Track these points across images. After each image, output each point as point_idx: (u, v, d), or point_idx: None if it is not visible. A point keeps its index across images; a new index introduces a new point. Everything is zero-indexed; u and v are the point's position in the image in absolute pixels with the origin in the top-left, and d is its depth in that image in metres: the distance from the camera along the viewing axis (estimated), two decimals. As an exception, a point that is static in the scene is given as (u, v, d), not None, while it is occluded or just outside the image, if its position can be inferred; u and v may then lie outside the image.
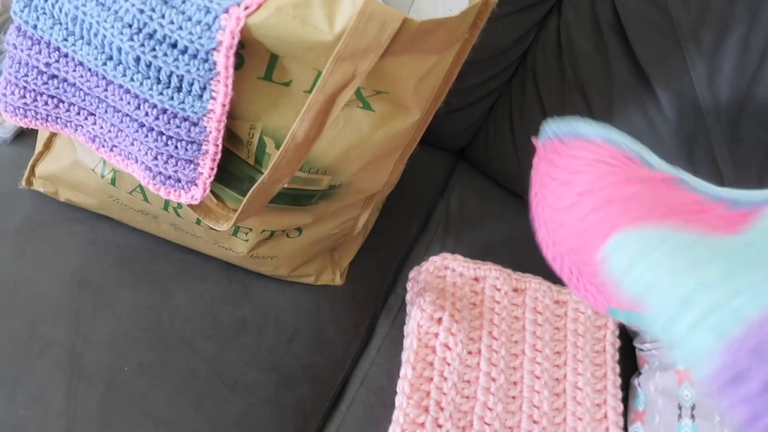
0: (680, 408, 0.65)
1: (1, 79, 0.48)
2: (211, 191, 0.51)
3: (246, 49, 0.42)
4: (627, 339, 0.80)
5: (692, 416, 0.64)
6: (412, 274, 0.76)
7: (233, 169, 0.52)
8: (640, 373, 0.75)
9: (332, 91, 0.41)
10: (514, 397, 0.67)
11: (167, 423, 0.60)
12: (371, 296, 0.77)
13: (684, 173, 0.41)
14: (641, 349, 0.77)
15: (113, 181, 0.57)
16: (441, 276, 0.75)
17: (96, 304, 0.64)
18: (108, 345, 0.62)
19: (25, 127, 0.51)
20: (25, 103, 0.49)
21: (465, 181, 0.91)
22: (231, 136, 0.49)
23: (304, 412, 0.66)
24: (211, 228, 0.60)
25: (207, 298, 0.67)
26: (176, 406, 0.61)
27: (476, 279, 0.77)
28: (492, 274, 0.77)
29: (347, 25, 0.38)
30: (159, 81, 0.42)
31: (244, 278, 0.70)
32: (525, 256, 0.83)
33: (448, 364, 0.66)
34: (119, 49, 0.41)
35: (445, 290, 0.72)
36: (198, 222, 0.58)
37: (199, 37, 0.39)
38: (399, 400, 0.63)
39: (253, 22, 0.38)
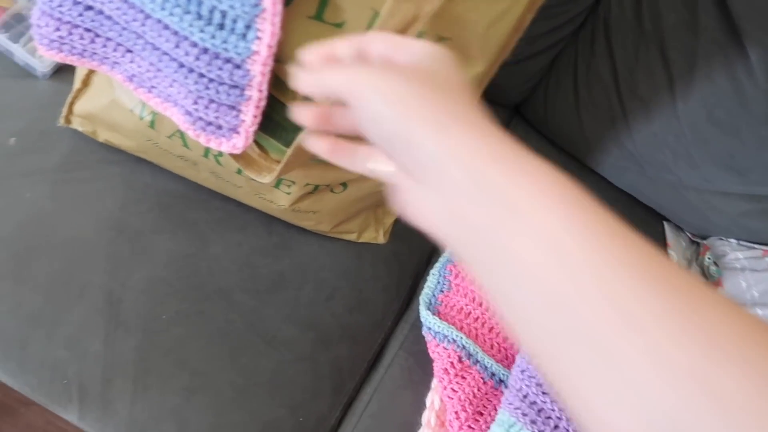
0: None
1: (36, 10, 0.45)
2: (255, 141, 0.48)
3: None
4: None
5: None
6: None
7: (278, 118, 0.48)
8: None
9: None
10: None
11: (202, 374, 0.59)
12: (414, 256, 0.73)
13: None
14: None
15: (152, 124, 0.54)
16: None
17: (134, 249, 0.62)
18: (145, 291, 0.61)
19: (60, 61, 0.48)
20: (60, 36, 0.45)
21: (518, 140, 0.86)
22: (277, 81, 0.45)
23: (341, 371, 0.64)
24: (253, 179, 0.57)
25: (245, 250, 0.65)
26: (212, 358, 0.60)
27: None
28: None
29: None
30: (200, 17, 0.38)
31: (284, 231, 0.67)
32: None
33: None
34: None
35: None
36: (239, 172, 0.55)
37: None
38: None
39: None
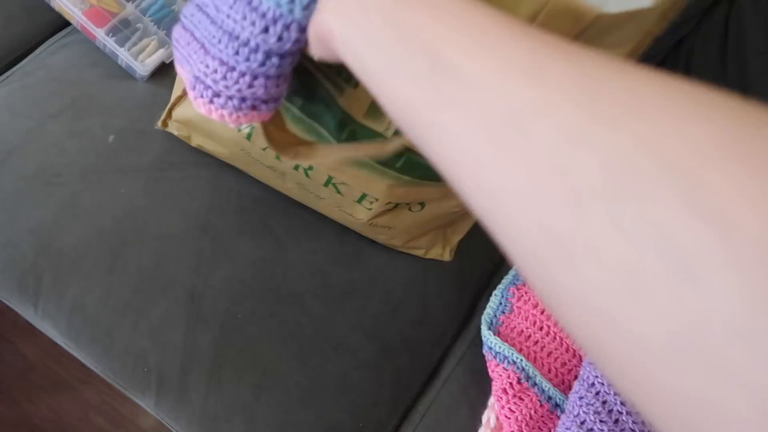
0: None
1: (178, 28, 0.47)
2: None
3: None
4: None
5: None
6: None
7: (365, 139, 0.51)
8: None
9: None
10: None
11: (272, 373, 0.63)
12: (477, 274, 0.75)
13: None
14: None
15: (249, 136, 0.57)
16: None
17: (216, 248, 0.66)
18: (224, 290, 0.64)
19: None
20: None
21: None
22: (376, 105, 0.48)
23: (401, 382, 0.67)
24: (337, 192, 0.60)
25: (320, 258, 0.68)
26: (282, 359, 0.63)
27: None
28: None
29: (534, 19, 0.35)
30: None
31: (356, 242, 0.70)
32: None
33: None
34: None
35: None
36: (326, 184, 0.58)
37: None
38: None
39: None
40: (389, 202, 0.59)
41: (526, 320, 0.67)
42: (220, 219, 0.67)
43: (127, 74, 0.73)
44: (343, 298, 0.67)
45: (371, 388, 0.65)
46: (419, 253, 0.70)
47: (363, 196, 0.59)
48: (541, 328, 0.67)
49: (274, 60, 0.34)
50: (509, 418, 0.61)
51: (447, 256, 0.72)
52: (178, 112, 0.64)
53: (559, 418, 0.62)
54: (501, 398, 0.62)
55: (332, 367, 0.64)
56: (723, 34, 0.66)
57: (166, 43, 0.72)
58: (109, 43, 0.70)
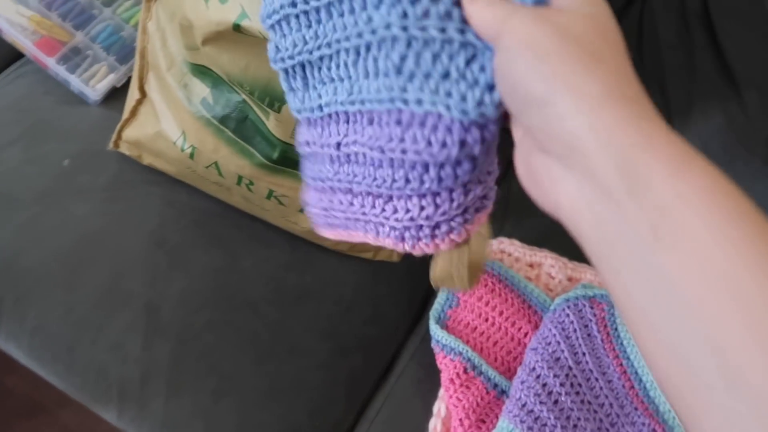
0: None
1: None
2: (276, 171, 0.54)
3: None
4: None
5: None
6: (468, 256, 0.77)
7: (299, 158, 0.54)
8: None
9: None
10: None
11: (230, 378, 0.65)
12: (426, 274, 0.78)
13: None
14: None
15: (192, 156, 0.61)
16: (497, 259, 0.76)
17: (171, 262, 0.69)
18: (180, 302, 0.67)
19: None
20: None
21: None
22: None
23: (355, 380, 0.70)
24: (280, 204, 0.63)
25: (272, 265, 0.71)
26: (239, 364, 0.66)
27: (531, 265, 0.77)
28: (548, 262, 0.77)
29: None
30: None
31: (306, 249, 0.73)
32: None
33: None
34: None
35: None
36: (268, 197, 0.61)
37: None
38: None
39: None
40: (329, 208, 0.62)
41: (472, 312, 0.70)
42: (174, 233, 0.70)
43: (80, 100, 0.75)
44: (296, 303, 0.70)
45: (327, 388, 0.68)
46: (368, 255, 0.74)
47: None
48: (486, 320, 0.70)
49: (466, 165, 0.30)
50: (456, 407, 0.64)
51: (395, 257, 0.75)
52: (127, 133, 0.67)
53: (504, 403, 0.65)
54: (449, 388, 0.65)
55: (288, 369, 0.67)
56: (639, 31, 0.70)
57: (116, 68, 0.75)
58: (61, 71, 0.73)
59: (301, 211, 0.62)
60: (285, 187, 0.58)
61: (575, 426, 0.62)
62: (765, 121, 0.65)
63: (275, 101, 0.50)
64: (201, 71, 0.52)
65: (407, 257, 0.77)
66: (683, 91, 0.69)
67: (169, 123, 0.60)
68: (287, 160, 0.55)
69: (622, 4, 0.72)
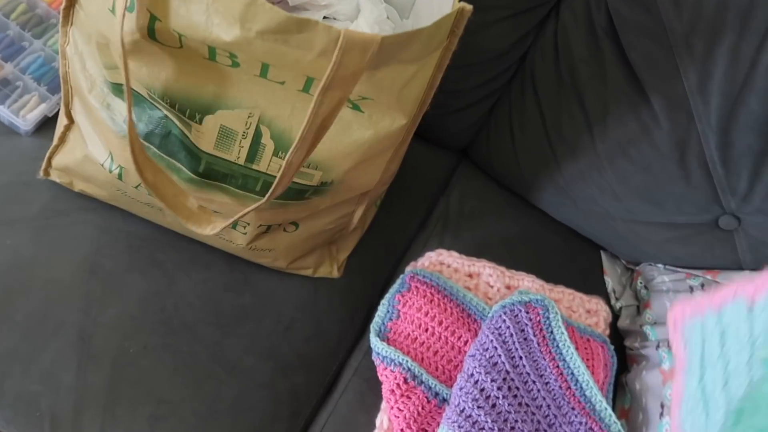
0: (663, 407, 0.67)
1: None
2: (203, 185, 0.55)
3: (239, 57, 0.45)
4: (618, 338, 0.82)
5: (673, 415, 0.65)
6: (408, 269, 0.79)
7: (225, 170, 0.55)
8: (628, 372, 0.76)
9: (324, 116, 0.44)
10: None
11: (168, 402, 0.64)
12: (368, 289, 0.79)
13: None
14: (630, 349, 0.78)
15: (120, 176, 0.61)
16: (437, 271, 0.78)
17: (105, 288, 0.68)
18: (115, 327, 0.66)
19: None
20: None
21: (467, 180, 0.93)
22: (222, 136, 0.53)
23: (298, 397, 0.70)
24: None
25: (210, 287, 0.71)
26: (177, 387, 0.65)
27: (470, 275, 0.79)
28: (486, 271, 0.79)
29: (327, 55, 0.40)
30: None
31: (245, 269, 0.73)
32: (521, 255, 0.86)
33: None
34: None
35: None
36: (199, 215, 0.62)
37: None
38: None
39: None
40: (261, 225, 0.63)
41: (412, 324, 0.71)
42: (108, 259, 0.69)
43: (10, 130, 0.75)
44: (235, 323, 0.70)
45: (268, 407, 0.68)
46: (307, 272, 0.74)
47: (236, 222, 0.62)
48: (426, 330, 0.71)
49: None
50: (398, 417, 0.64)
51: (336, 273, 0.76)
52: (57, 160, 0.67)
53: None
54: (389, 399, 0.66)
55: (228, 390, 0.66)
56: (554, 48, 0.75)
57: (48, 97, 0.75)
58: (-11, 102, 0.72)
59: (234, 227, 0.63)
60: (215, 202, 0.59)
61: (512, 428, 0.63)
62: (673, 126, 0.69)
63: (196, 113, 0.51)
64: (121, 90, 0.52)
65: (348, 272, 0.78)
66: (599, 101, 0.73)
67: (96, 145, 0.60)
68: (213, 173, 0.55)
69: (537, 22, 0.76)
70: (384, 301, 0.74)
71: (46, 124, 0.76)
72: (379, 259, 0.82)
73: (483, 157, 0.91)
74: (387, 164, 0.61)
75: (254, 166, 0.55)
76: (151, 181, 0.52)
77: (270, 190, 0.47)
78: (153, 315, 0.68)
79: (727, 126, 0.66)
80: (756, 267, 0.75)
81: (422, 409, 0.65)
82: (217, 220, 0.53)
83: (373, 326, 0.72)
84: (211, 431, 0.64)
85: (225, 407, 0.66)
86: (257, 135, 0.53)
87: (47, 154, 0.68)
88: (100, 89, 0.56)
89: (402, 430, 0.64)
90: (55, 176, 0.69)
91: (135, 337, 0.66)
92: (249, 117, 0.52)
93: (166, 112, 0.53)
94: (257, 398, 0.67)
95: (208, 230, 0.53)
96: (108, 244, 0.70)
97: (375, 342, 0.69)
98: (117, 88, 0.54)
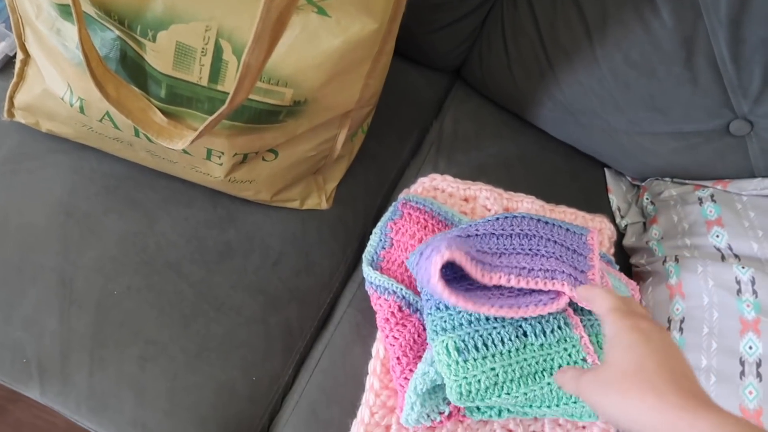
0: (669, 321, 0.64)
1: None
2: (162, 111, 0.51)
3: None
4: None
5: (680, 329, 0.62)
6: (400, 197, 0.75)
7: (189, 94, 0.51)
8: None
9: (280, 9, 0.39)
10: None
11: (156, 342, 0.63)
12: (360, 220, 0.76)
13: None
14: (636, 266, 0.75)
15: (81, 110, 0.57)
16: (431, 196, 0.74)
17: (83, 231, 0.65)
18: (97, 270, 0.64)
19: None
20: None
21: (460, 102, 0.88)
22: (180, 54, 0.48)
23: (291, 332, 0.68)
24: (185, 152, 0.60)
25: (192, 224, 0.68)
26: (164, 327, 0.63)
27: (466, 199, 0.75)
28: (483, 194, 0.75)
29: None
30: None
31: (229, 204, 0.70)
32: (521, 176, 0.81)
33: None
34: None
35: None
36: (170, 146, 0.58)
37: None
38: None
39: None
40: (236, 153, 0.59)
41: (406, 251, 0.68)
42: (84, 201, 0.66)
43: (-30, 73, 0.71)
44: (220, 260, 0.67)
45: (260, 342, 0.66)
46: (294, 204, 0.71)
47: (209, 152, 0.59)
48: None
49: None
50: (393, 345, 0.62)
51: (324, 205, 0.73)
52: (18, 99, 0.63)
53: None
54: (384, 328, 0.63)
55: (217, 327, 0.65)
56: (502, 30, 0.68)
57: (7, 35, 0.70)
58: (-56, 42, 0.68)
59: (208, 158, 0.59)
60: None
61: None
62: (679, 22, 0.63)
63: (148, 29, 0.46)
64: (69, 12, 0.48)
65: (337, 203, 0.75)
66: (597, 4, 0.67)
67: (53, 78, 0.56)
68: (177, 98, 0.51)
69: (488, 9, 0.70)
70: (376, 230, 0.71)
71: (9, 65, 0.72)
72: (370, 189, 0.78)
73: (477, 77, 0.86)
74: (365, 80, 0.56)
75: (219, 87, 0.51)
76: (114, 96, 0.48)
77: (229, 96, 0.43)
78: (135, 255, 0.65)
79: (738, 18, 0.60)
80: (770, 173, 0.70)
81: (418, 336, 0.63)
82: (188, 134, 0.50)
83: (366, 256, 0.69)
84: (202, 369, 0.63)
85: (215, 344, 0.64)
86: (218, 51, 0.48)
87: (8, 93, 0.64)
88: (47, 13, 0.51)
89: (398, 358, 0.62)
90: (19, 117, 0.66)
91: (117, 279, 0.64)
92: (206, 31, 0.47)
93: (118, 32, 0.49)
94: (248, 334, 0.65)
95: (179, 144, 0.49)
96: (82, 185, 0.67)
97: (368, 271, 0.67)
98: (64, 10, 0.50)
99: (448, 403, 0.60)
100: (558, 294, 0.58)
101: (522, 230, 0.63)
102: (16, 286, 0.62)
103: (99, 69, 0.47)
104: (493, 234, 0.63)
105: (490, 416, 0.61)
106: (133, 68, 0.51)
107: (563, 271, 0.59)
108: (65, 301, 0.62)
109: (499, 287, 0.59)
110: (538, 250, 0.62)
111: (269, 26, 0.39)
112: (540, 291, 0.59)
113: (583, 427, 0.64)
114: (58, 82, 0.57)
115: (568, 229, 0.65)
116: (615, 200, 0.82)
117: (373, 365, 0.64)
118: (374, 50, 0.53)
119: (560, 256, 0.61)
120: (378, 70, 0.58)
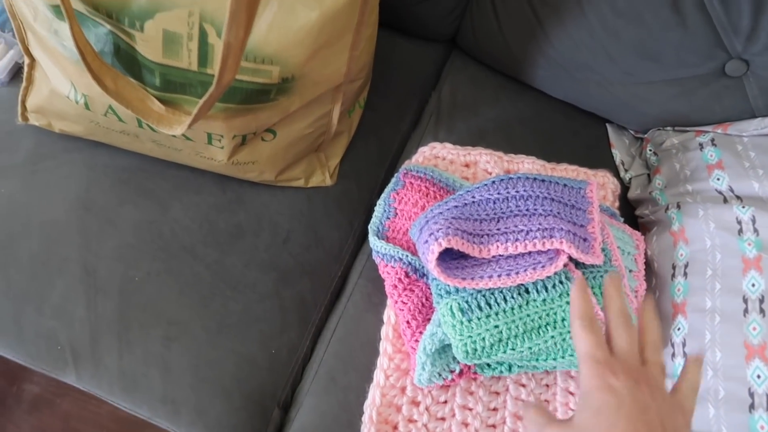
0: (674, 267, 0.65)
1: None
2: (160, 100, 0.54)
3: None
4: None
5: (685, 274, 0.63)
6: (402, 168, 0.77)
7: (181, 80, 0.54)
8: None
9: None
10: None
11: (178, 323, 0.66)
12: (365, 193, 0.78)
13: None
14: (641, 217, 0.75)
15: (87, 106, 0.60)
16: (432, 165, 0.75)
17: (101, 223, 0.69)
18: (117, 258, 0.67)
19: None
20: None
21: (458, 71, 0.89)
22: (168, 41, 0.50)
23: (305, 304, 0.70)
24: (188, 139, 0.62)
25: (203, 209, 0.71)
26: (184, 307, 0.66)
27: (467, 165, 0.77)
28: (483, 158, 0.76)
29: None
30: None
31: (237, 188, 0.73)
32: (521, 138, 0.82)
33: None
34: None
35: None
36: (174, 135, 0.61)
37: None
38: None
39: None
40: (235, 135, 0.61)
41: (410, 219, 0.70)
42: (100, 195, 0.70)
43: (-15, 83, 0.75)
44: (232, 241, 0.70)
45: (276, 316, 0.68)
46: (299, 183, 0.73)
47: (209, 136, 0.61)
48: None
49: None
50: (402, 310, 0.64)
51: (329, 181, 0.75)
52: (30, 102, 0.67)
53: None
54: (393, 294, 0.65)
55: (234, 305, 0.68)
56: None
57: (14, 43, 0.74)
58: (-42, 56, 0.72)
59: (209, 142, 0.62)
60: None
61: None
62: (663, -35, 0.63)
63: (135, 20, 0.49)
64: (62, 11, 0.51)
65: (341, 178, 0.77)
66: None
67: (57, 78, 0.59)
68: (171, 85, 0.54)
69: None
70: (380, 201, 0.73)
71: (20, 71, 0.76)
72: (372, 162, 0.80)
73: (471, 44, 0.87)
74: (350, 52, 0.58)
75: (209, 70, 0.53)
76: (113, 88, 0.51)
77: (215, 76, 0.45)
78: (151, 242, 0.69)
79: (721, -45, 0.60)
80: (770, 112, 0.70)
81: (425, 300, 0.65)
82: (186, 119, 0.52)
83: (371, 227, 0.71)
84: (222, 345, 0.66)
85: (234, 321, 0.67)
86: (203, 35, 0.50)
87: (20, 98, 0.67)
88: (44, 15, 0.54)
89: (408, 321, 0.64)
90: (33, 119, 0.69)
91: (137, 266, 0.67)
92: (189, 16, 0.49)
93: (108, 26, 0.51)
94: (264, 309, 0.68)
95: (178, 130, 0.52)
96: (97, 180, 0.71)
97: (374, 241, 0.69)
98: (58, 10, 0.52)
99: (458, 362, 0.62)
100: (557, 252, 0.58)
101: (518, 192, 0.63)
102: (45, 279, 0.66)
103: (95, 63, 0.50)
104: (489, 199, 0.64)
105: (501, 372, 0.63)
106: (127, 60, 0.53)
107: (561, 228, 0.59)
108: (91, 289, 0.66)
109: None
110: (535, 210, 0.62)
111: (243, 3, 0.41)
112: (539, 251, 0.60)
113: None
114: (62, 82, 0.60)
115: (565, 185, 0.65)
116: (618, 155, 0.82)
117: (385, 331, 0.66)
118: (354, 21, 0.54)
119: (558, 213, 0.62)
120: (362, 41, 0.59)
